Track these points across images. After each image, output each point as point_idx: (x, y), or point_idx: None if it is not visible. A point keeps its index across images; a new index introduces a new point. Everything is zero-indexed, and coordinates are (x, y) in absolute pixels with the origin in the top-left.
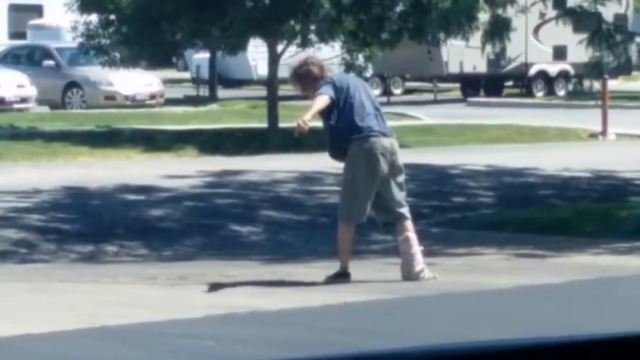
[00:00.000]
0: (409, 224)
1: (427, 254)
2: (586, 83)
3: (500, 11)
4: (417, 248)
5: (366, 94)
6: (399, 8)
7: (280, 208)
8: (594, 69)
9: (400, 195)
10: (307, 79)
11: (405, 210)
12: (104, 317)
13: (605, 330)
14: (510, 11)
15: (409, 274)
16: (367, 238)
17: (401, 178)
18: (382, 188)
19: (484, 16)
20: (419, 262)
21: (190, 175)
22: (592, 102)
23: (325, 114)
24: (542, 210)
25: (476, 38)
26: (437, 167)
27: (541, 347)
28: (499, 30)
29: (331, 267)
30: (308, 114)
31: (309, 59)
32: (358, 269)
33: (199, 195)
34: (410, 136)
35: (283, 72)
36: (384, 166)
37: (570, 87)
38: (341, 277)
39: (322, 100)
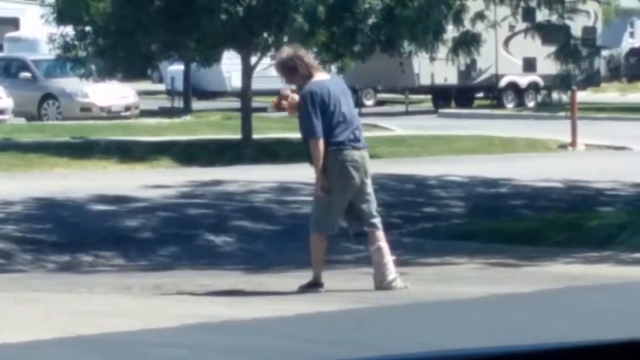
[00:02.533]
0: (380, 234)
1: (398, 263)
2: (555, 95)
3: (469, 26)
4: (389, 258)
5: (346, 102)
6: (371, 20)
7: (254, 218)
8: (563, 82)
9: (371, 206)
10: (293, 73)
11: (376, 221)
12: (80, 326)
13: (575, 339)
14: (480, 26)
15: (381, 284)
16: (340, 248)
17: (371, 189)
18: (354, 199)
19: (452, 30)
20: (392, 271)
21: (165, 186)
22: (562, 114)
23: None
24: (513, 220)
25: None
26: (408, 177)
27: (512, 356)
28: (466, 44)
29: (304, 276)
30: (318, 175)
31: (299, 53)
32: (331, 278)
33: (173, 206)
34: (381, 147)
35: (256, 84)
36: (356, 178)
37: (539, 98)
38: (314, 286)
39: (319, 149)
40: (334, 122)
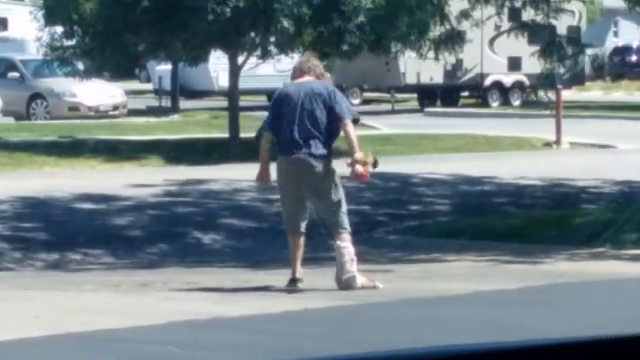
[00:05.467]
0: (344, 236)
1: (385, 261)
2: (541, 94)
3: (455, 24)
4: (348, 258)
5: (302, 108)
6: (359, 20)
7: (242, 216)
8: (547, 80)
9: (329, 211)
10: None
11: (339, 226)
12: (68, 324)
13: (560, 336)
14: (465, 24)
15: (339, 283)
16: (328, 246)
17: (327, 196)
18: (310, 203)
19: (438, 29)
20: (349, 271)
21: (153, 185)
22: (547, 112)
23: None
24: (499, 218)
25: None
26: (395, 176)
27: (498, 352)
28: (450, 41)
29: (290, 274)
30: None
31: (312, 59)
32: (318, 276)
33: (162, 204)
34: (368, 146)
35: (244, 83)
36: (291, 183)
37: (525, 96)
38: (291, 283)
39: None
40: (282, 127)
